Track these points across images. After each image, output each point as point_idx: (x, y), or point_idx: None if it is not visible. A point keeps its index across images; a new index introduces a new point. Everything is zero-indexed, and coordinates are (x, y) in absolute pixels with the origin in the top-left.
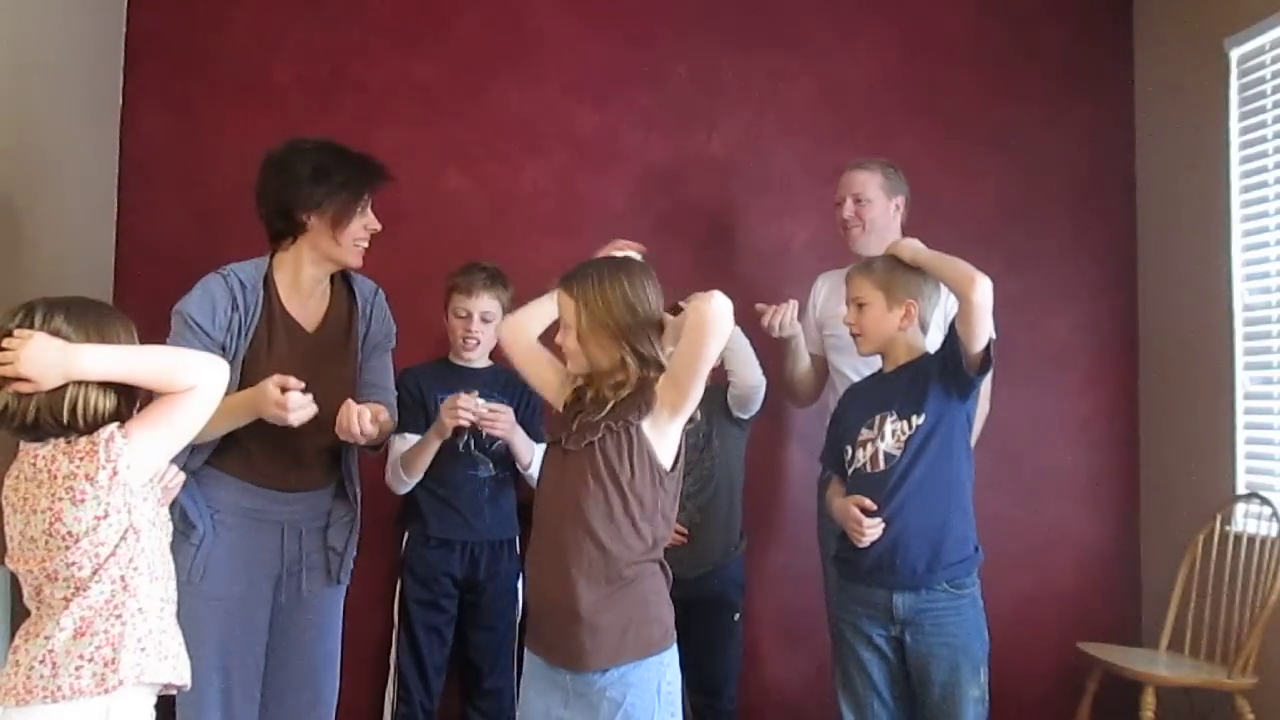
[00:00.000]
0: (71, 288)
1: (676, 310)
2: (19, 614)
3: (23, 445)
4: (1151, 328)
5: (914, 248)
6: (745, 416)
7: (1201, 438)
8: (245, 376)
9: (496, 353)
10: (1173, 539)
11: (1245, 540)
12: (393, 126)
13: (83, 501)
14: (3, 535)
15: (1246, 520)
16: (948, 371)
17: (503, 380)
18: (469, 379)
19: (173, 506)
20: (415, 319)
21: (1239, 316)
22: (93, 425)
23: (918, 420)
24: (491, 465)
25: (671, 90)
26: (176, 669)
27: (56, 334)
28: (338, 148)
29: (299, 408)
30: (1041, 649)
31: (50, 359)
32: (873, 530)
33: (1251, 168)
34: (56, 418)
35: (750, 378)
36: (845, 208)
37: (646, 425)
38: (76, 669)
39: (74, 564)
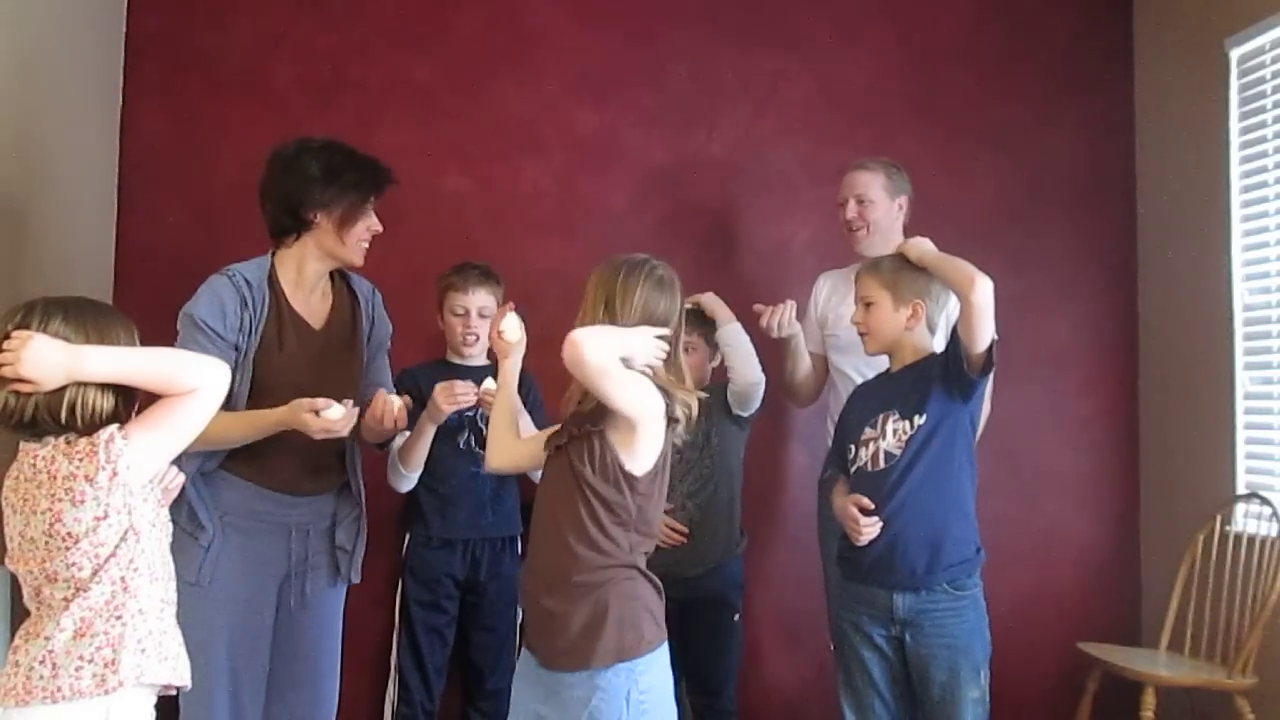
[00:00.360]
0: (71, 287)
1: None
2: (19, 614)
3: (22, 446)
4: (1151, 328)
5: (921, 248)
6: (745, 414)
7: (1201, 438)
8: (258, 376)
9: (493, 351)
10: (1173, 539)
11: (1245, 540)
12: (393, 126)
13: (82, 502)
14: (3, 536)
15: (1246, 520)
16: (950, 373)
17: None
18: (468, 377)
19: (182, 508)
20: (415, 319)
21: (1239, 316)
22: (91, 425)
23: (919, 420)
24: None
25: (671, 90)
26: (176, 670)
27: (55, 335)
28: (346, 148)
29: (348, 422)
30: (1041, 649)
31: (51, 360)
32: (870, 529)
33: (1251, 168)
34: (55, 416)
35: (749, 375)
36: (848, 209)
37: (610, 431)
38: (76, 670)
39: (74, 565)
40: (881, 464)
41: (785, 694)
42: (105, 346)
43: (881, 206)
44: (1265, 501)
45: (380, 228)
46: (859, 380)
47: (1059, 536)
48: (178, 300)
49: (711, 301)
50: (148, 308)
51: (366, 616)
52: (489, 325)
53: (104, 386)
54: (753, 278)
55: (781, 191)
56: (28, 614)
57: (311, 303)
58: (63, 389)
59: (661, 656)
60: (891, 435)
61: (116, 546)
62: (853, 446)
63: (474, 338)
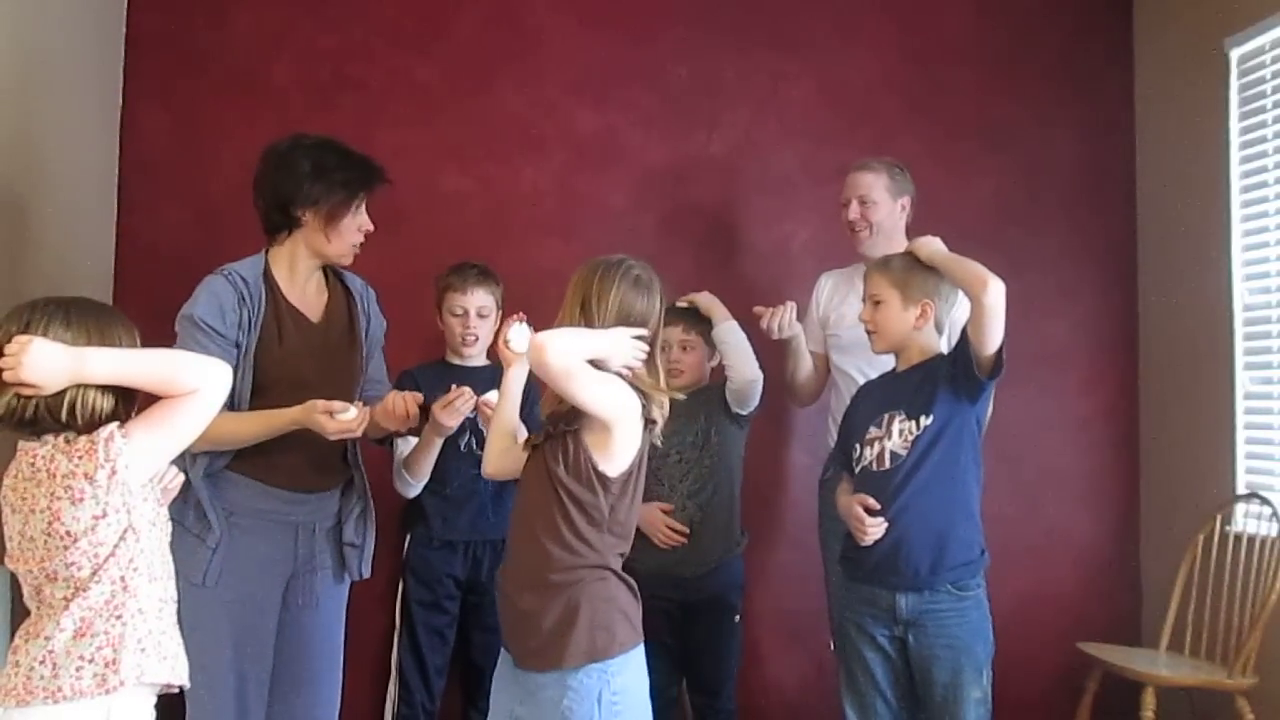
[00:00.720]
0: (72, 288)
1: (675, 310)
2: (19, 614)
3: (21, 444)
4: (1151, 328)
5: (931, 247)
6: (744, 412)
7: (1201, 438)
8: (259, 370)
9: (493, 351)
10: (1173, 539)
11: (1245, 540)
12: (393, 126)
13: (81, 501)
14: (2, 535)
15: (1246, 520)
16: (958, 374)
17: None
18: (468, 378)
19: (189, 509)
20: (415, 319)
21: (1239, 316)
22: (91, 424)
23: (925, 421)
24: None
25: (671, 90)
26: (175, 669)
27: (56, 338)
28: (339, 146)
29: (361, 423)
30: (1041, 649)
31: (52, 364)
32: (875, 529)
33: (1251, 168)
34: (55, 416)
35: (746, 372)
36: (851, 209)
37: (584, 432)
38: (77, 670)
39: (73, 564)
40: (887, 464)
41: (785, 694)
42: (107, 348)
43: (884, 207)
44: (1265, 501)
45: (371, 227)
46: (861, 380)
47: (1059, 536)
48: (178, 300)
49: (707, 300)
50: (148, 308)
51: (367, 617)
52: (488, 325)
53: (104, 387)
54: (753, 278)
55: (781, 191)
56: (28, 613)
57: (308, 297)
58: (63, 390)
59: (635, 658)
60: (897, 435)
61: (116, 546)
62: (858, 445)
63: (473, 338)
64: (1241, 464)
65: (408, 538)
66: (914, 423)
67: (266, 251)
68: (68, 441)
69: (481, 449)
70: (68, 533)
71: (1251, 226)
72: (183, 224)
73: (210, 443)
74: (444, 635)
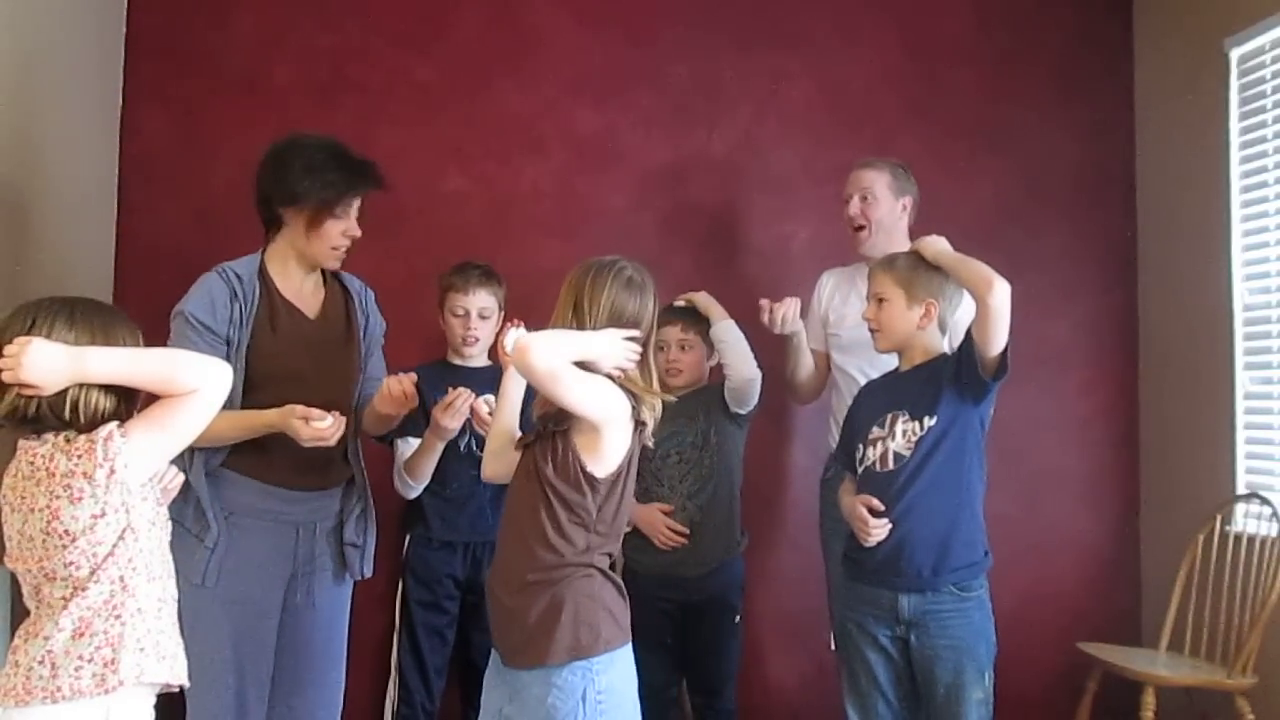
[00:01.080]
0: (71, 287)
1: (673, 309)
2: (19, 613)
3: (21, 443)
4: (1151, 328)
5: (937, 246)
6: (743, 412)
7: (1201, 438)
8: (251, 363)
9: (494, 352)
10: (1173, 539)
11: (1245, 540)
12: (393, 126)
13: (80, 500)
14: (2, 535)
15: (1246, 520)
16: (963, 375)
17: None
18: (468, 379)
19: (189, 508)
20: (415, 319)
21: (1239, 316)
22: (92, 423)
23: (929, 422)
24: None
25: (671, 90)
26: (174, 669)
27: (59, 338)
28: (335, 148)
29: (335, 432)
30: (1041, 649)
31: (52, 364)
32: (879, 530)
33: (1251, 168)
34: (57, 414)
35: (745, 371)
36: (852, 205)
37: (573, 432)
38: (76, 670)
39: (72, 563)
40: (890, 464)
41: (785, 694)
42: (107, 348)
43: (885, 204)
44: (1265, 501)
45: (358, 233)
46: (862, 380)
47: (1059, 536)
48: (178, 300)
49: (704, 300)
50: (148, 308)
51: (367, 617)
52: (489, 327)
53: (106, 386)
54: (753, 278)
55: (781, 191)
56: (28, 613)
57: (304, 294)
58: (65, 389)
59: (622, 657)
60: (901, 436)
61: (114, 545)
62: (860, 446)
63: (474, 339)
64: (1241, 464)
65: (407, 538)
66: (918, 423)
67: (264, 249)
68: (68, 440)
69: (481, 450)
70: (66, 532)
71: (1251, 226)
72: (183, 224)
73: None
74: (443, 635)
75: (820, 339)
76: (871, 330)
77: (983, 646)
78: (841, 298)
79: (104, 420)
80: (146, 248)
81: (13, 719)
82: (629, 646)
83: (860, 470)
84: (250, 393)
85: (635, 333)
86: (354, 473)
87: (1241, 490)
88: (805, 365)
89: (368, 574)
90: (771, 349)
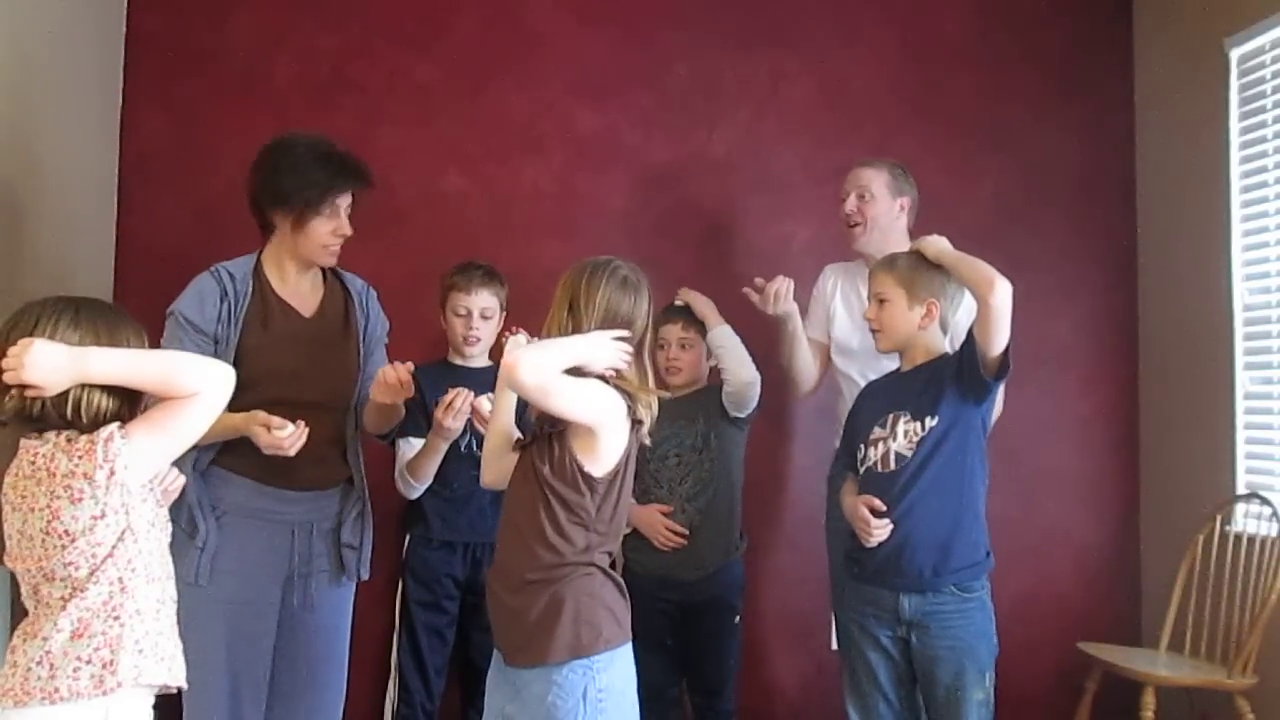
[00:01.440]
0: (71, 287)
1: (673, 308)
2: (19, 613)
3: (22, 443)
4: (1151, 328)
5: (938, 245)
6: (742, 415)
7: (1201, 438)
8: (242, 360)
9: (495, 352)
10: (1173, 539)
11: (1245, 540)
12: (393, 126)
13: (80, 500)
14: (2, 534)
15: (1246, 520)
16: (964, 375)
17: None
18: (469, 379)
19: (182, 508)
20: (415, 319)
21: (1239, 316)
22: (95, 423)
23: (931, 422)
24: None
25: (671, 90)
26: (173, 670)
27: (63, 339)
28: (321, 147)
29: (294, 442)
30: (1041, 649)
31: (53, 364)
32: (880, 531)
33: (1251, 168)
34: (60, 413)
35: (743, 375)
36: (848, 203)
37: (569, 434)
38: (74, 671)
39: (71, 564)
40: (892, 465)
41: (785, 694)
42: (108, 349)
43: (882, 203)
44: (1265, 501)
45: (349, 231)
46: (864, 384)
47: (1059, 536)
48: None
49: (701, 305)
50: (148, 308)
51: (366, 617)
52: (491, 327)
53: (108, 387)
54: (753, 278)
55: (781, 191)
56: (26, 612)
57: (300, 294)
58: (67, 390)
59: (622, 656)
60: (902, 436)
61: (114, 546)
62: (862, 446)
63: (475, 338)
64: (1241, 464)
65: (407, 538)
66: (919, 424)
67: (260, 249)
68: (69, 441)
69: (481, 451)
70: (66, 532)
71: (1251, 226)
72: (183, 224)
73: None
74: (443, 635)
75: (822, 329)
76: (873, 330)
77: (984, 647)
78: (844, 299)
79: (106, 421)
80: (146, 248)
81: (11, 719)
82: (629, 646)
83: (862, 471)
84: (243, 390)
85: (625, 333)
86: (352, 473)
87: (1241, 490)
88: (802, 354)
89: (364, 576)
90: (770, 352)
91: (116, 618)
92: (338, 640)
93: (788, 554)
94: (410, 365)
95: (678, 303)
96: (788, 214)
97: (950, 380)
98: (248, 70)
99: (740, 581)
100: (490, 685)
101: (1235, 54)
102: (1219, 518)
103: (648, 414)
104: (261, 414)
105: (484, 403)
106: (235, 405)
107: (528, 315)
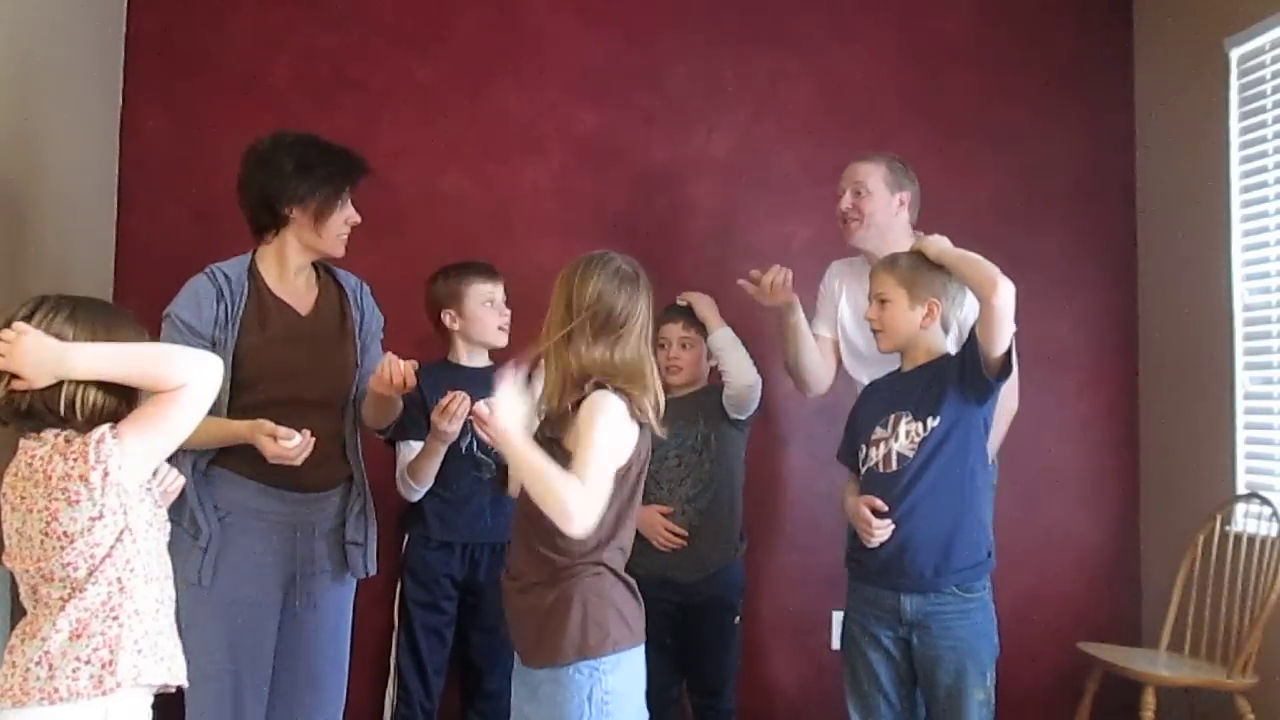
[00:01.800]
0: (71, 287)
1: (675, 308)
2: (18, 613)
3: (21, 443)
4: (1151, 328)
5: (940, 245)
6: (742, 417)
7: (1201, 438)
8: (240, 360)
9: (494, 352)
10: (1173, 539)
11: (1245, 540)
12: (393, 126)
13: (77, 503)
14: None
15: (1246, 520)
16: (966, 375)
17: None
18: (470, 379)
19: (185, 508)
20: (415, 319)
21: (1239, 316)
22: (91, 421)
23: (933, 423)
24: (494, 467)
25: (671, 90)
26: (172, 670)
27: (56, 335)
28: (320, 142)
29: (301, 451)
30: (1041, 649)
31: (40, 358)
32: (882, 531)
33: (1251, 168)
34: (53, 410)
35: (744, 377)
36: (844, 200)
37: (567, 441)
38: (73, 671)
39: (69, 564)
40: (894, 465)
41: (785, 694)
42: (96, 344)
43: (879, 199)
44: (1265, 501)
45: (358, 219)
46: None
47: (1059, 536)
48: None
49: (703, 306)
50: (148, 308)
51: (365, 617)
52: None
53: (102, 384)
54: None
55: (781, 191)
56: (26, 612)
57: (296, 292)
58: (58, 386)
59: (630, 659)
60: (904, 437)
61: (112, 547)
62: (864, 446)
63: (508, 324)
64: (1241, 464)
65: (406, 538)
66: (921, 424)
67: (254, 250)
68: (67, 441)
69: (483, 452)
70: (64, 533)
71: (1251, 226)
72: (183, 224)
73: None
74: (442, 635)
75: (831, 326)
76: (874, 330)
77: (985, 647)
78: (850, 300)
79: (103, 418)
80: (146, 247)
81: None
82: (640, 650)
83: (863, 471)
84: (243, 390)
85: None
86: (353, 470)
87: (1241, 490)
88: (808, 350)
89: (372, 572)
90: (771, 354)
91: (115, 618)
92: (339, 640)
93: (788, 554)
94: (414, 363)
95: (679, 302)
96: (788, 214)
97: (952, 380)
98: (248, 70)
99: (740, 582)
100: (513, 687)
101: (1235, 54)
102: (1219, 518)
103: (654, 412)
104: (268, 424)
105: (482, 407)
106: (234, 405)
107: (528, 315)
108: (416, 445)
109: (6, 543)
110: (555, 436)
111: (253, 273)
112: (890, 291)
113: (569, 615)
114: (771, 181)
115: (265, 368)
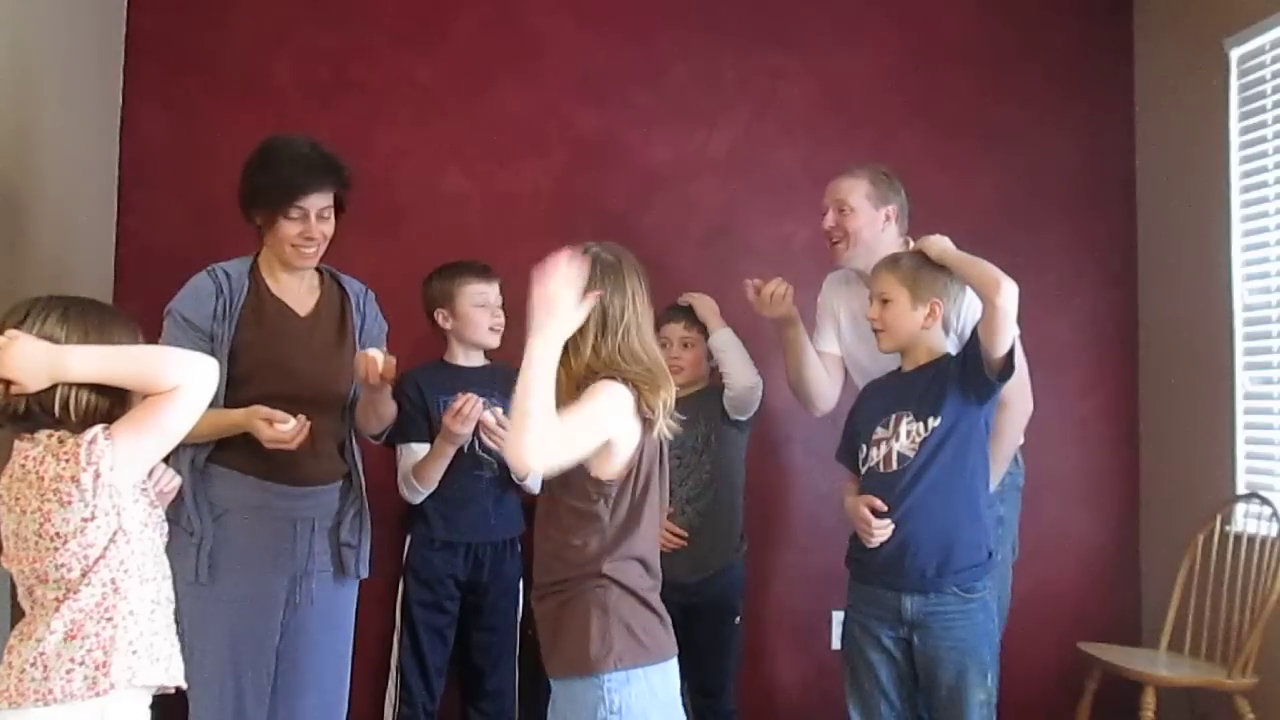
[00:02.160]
0: (71, 287)
1: (676, 308)
2: (17, 613)
3: (16, 444)
4: (1151, 328)
5: (941, 246)
6: (743, 418)
7: (1201, 438)
8: (237, 355)
9: (492, 353)
10: (1173, 539)
11: (1245, 540)
12: (393, 126)
13: (70, 504)
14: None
15: (1246, 520)
16: (968, 375)
17: (500, 379)
18: (470, 379)
19: (182, 506)
20: (414, 319)
21: (1239, 316)
22: (85, 422)
23: (934, 423)
24: (497, 466)
25: (671, 90)
26: (169, 671)
27: (48, 337)
28: (299, 149)
29: (295, 435)
30: (1041, 649)
31: (31, 361)
32: (881, 531)
33: (1251, 168)
34: (48, 412)
35: (744, 379)
36: (828, 218)
37: None
38: (68, 672)
39: (63, 565)
40: (894, 465)
41: (785, 694)
42: (90, 346)
43: (863, 215)
44: (1265, 501)
45: (316, 234)
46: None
47: (1059, 536)
48: None
49: (704, 307)
50: (148, 308)
51: (367, 617)
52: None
53: (96, 386)
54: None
55: (781, 191)
56: (24, 612)
57: (297, 294)
58: (52, 389)
59: (642, 677)
60: (905, 437)
61: (106, 548)
62: (864, 446)
63: (502, 325)
64: (1241, 464)
65: (408, 538)
66: (922, 424)
67: (258, 250)
68: (60, 442)
69: (485, 452)
70: (57, 534)
71: (1251, 226)
72: (183, 224)
73: None
74: (444, 635)
75: (833, 341)
76: (875, 330)
77: (986, 647)
78: (849, 315)
79: (96, 419)
80: (146, 248)
81: None
82: (661, 666)
83: (864, 470)
84: (238, 386)
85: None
86: (350, 469)
87: (1241, 490)
88: (811, 365)
89: (364, 574)
90: (771, 356)
91: (109, 619)
92: (341, 639)
93: (788, 554)
94: (384, 353)
95: (680, 302)
96: (788, 214)
97: (954, 380)
98: (248, 70)
99: (740, 583)
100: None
101: (1235, 54)
102: (1219, 518)
103: (662, 409)
104: (263, 409)
105: (489, 416)
106: (231, 401)
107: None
108: (417, 447)
109: (4, 544)
110: None
111: (254, 273)
112: (892, 291)
113: (572, 628)
114: (771, 181)
115: (261, 363)
